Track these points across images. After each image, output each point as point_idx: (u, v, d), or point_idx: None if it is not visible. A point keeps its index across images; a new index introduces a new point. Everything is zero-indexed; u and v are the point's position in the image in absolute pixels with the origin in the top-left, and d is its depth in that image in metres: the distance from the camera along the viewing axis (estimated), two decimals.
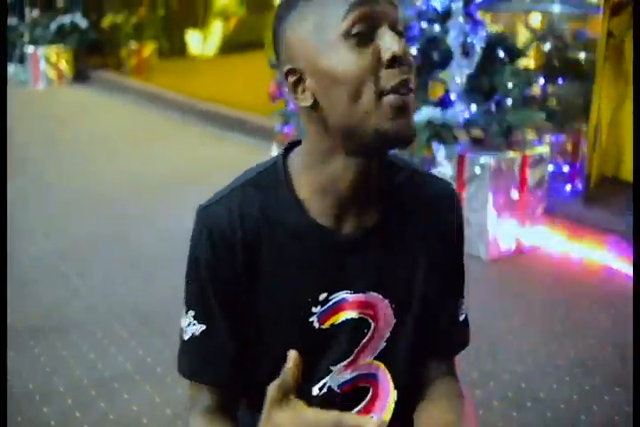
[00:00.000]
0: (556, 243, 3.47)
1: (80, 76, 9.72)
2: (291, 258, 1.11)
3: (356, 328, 1.14)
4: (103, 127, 7.10)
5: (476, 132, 3.36)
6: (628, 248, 3.27)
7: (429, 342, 1.21)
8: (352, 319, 1.14)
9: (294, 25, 1.03)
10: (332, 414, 0.85)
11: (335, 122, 1.03)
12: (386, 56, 0.99)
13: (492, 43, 3.39)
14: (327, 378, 1.16)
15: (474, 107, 3.33)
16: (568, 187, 3.87)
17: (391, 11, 1.01)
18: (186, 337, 1.14)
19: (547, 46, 4.01)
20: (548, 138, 3.81)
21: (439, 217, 1.19)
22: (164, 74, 9.23)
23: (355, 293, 1.13)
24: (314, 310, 1.12)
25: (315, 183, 1.09)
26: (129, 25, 10.18)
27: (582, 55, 3.99)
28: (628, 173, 4.02)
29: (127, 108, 8.22)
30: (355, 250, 1.13)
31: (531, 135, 3.60)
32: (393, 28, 1.01)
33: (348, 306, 1.13)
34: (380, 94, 1.00)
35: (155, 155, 5.85)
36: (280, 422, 0.86)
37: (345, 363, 1.16)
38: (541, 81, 3.82)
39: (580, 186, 3.87)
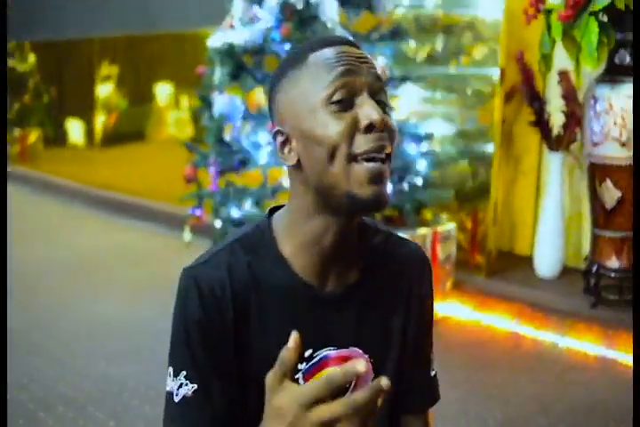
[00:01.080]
0: (465, 313, 3.69)
1: None
2: (277, 315, 1.13)
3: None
4: None
5: (391, 211, 3.59)
6: (532, 315, 3.54)
7: (405, 398, 1.25)
8: None
9: (284, 91, 1.11)
10: (321, 379, 0.84)
11: (313, 182, 1.09)
12: (363, 122, 1.04)
13: (401, 128, 3.67)
14: None
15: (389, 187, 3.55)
16: (471, 261, 4.13)
17: (374, 81, 1.08)
18: (177, 399, 1.11)
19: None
20: (451, 216, 4.08)
21: (413, 277, 1.25)
22: (49, 162, 9.08)
23: (338, 348, 1.16)
24: (299, 367, 1.13)
25: (298, 242, 1.13)
26: (12, 111, 9.99)
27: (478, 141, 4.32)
28: (521, 248, 4.36)
29: (17, 196, 7.99)
30: (338, 306, 1.16)
31: (437, 213, 3.88)
32: (374, 96, 1.07)
33: (331, 362, 1.15)
34: (352, 159, 1.05)
35: (55, 243, 5.70)
36: (279, 406, 0.85)
37: None
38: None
39: (479, 261, 4.14)
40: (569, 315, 3.42)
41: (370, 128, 1.04)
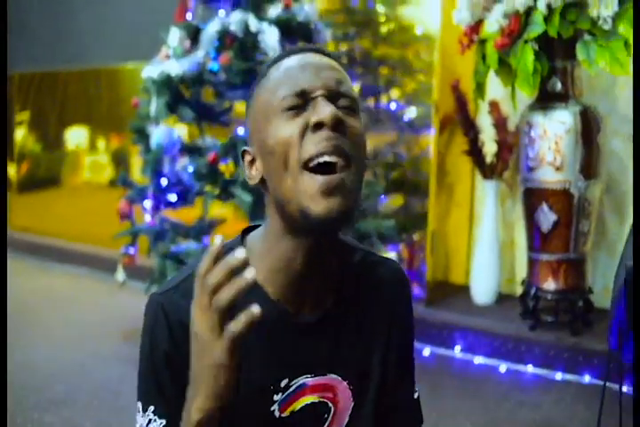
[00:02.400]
0: None
1: None
2: (251, 342, 1.03)
3: (317, 413, 1.12)
4: None
5: None
6: (472, 341, 3.56)
7: (389, 421, 1.20)
8: (312, 404, 1.10)
9: (250, 110, 1.07)
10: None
11: (275, 197, 1.01)
12: (312, 121, 0.97)
13: None
14: None
15: None
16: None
17: (332, 85, 1.01)
18: None
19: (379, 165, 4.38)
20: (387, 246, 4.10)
21: (393, 297, 1.19)
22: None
23: (315, 376, 1.10)
24: (275, 397, 1.08)
25: (270, 265, 1.06)
26: None
27: (412, 172, 4.38)
28: (457, 277, 4.41)
29: None
30: (314, 333, 1.10)
31: (376, 243, 3.87)
32: (334, 101, 1.00)
33: (308, 391, 1.10)
34: (304, 166, 0.96)
35: None
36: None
37: None
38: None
39: (417, 291, 4.16)
40: (509, 339, 3.45)
41: (319, 126, 0.97)
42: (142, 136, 3.47)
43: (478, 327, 3.56)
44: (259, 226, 1.14)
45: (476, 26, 3.35)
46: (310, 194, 0.95)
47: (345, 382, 1.12)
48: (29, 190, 8.41)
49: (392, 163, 4.34)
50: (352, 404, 1.13)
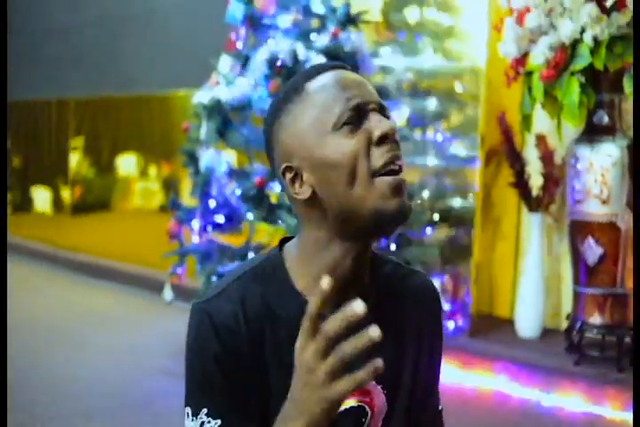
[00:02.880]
0: (448, 372, 3.64)
1: None
2: (291, 347, 1.03)
3: (356, 418, 1.13)
4: None
5: None
6: (516, 373, 3.51)
7: None
8: (352, 408, 1.12)
9: (286, 126, 1.10)
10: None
11: (334, 208, 1.07)
12: (375, 135, 1.05)
13: None
14: None
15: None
16: (451, 324, 4.11)
17: (376, 99, 1.09)
18: None
19: (425, 195, 4.39)
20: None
21: (425, 307, 1.23)
22: (17, 226, 9.00)
23: None
24: None
25: (314, 272, 1.10)
26: None
27: (458, 203, 4.39)
28: (501, 310, 4.36)
29: None
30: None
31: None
32: (379, 111, 1.08)
33: None
34: (374, 174, 1.05)
35: (25, 305, 5.60)
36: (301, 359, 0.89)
37: None
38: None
39: (461, 322, 4.13)
40: (553, 373, 3.40)
41: (383, 139, 1.05)
42: (192, 159, 3.58)
43: (521, 360, 3.51)
44: (293, 237, 1.18)
45: (522, 58, 3.36)
46: (383, 194, 1.04)
47: (379, 387, 1.15)
48: (82, 213, 8.64)
49: (438, 194, 4.35)
50: (386, 409, 1.15)
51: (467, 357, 3.62)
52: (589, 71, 3.03)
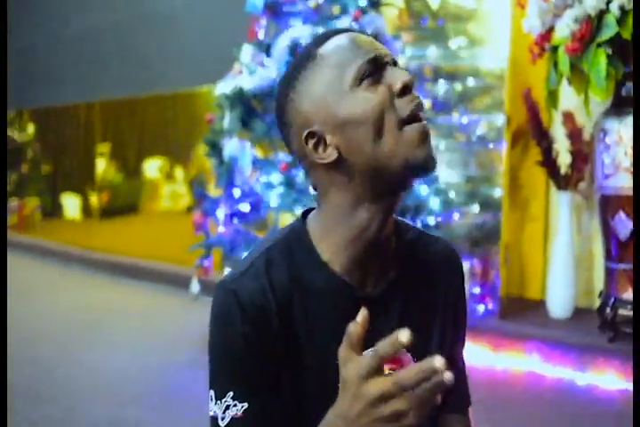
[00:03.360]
0: (480, 354, 3.61)
1: None
2: (321, 319, 1.09)
3: None
4: None
5: None
6: (549, 353, 3.47)
7: (445, 397, 1.13)
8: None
9: (302, 93, 1.08)
10: (372, 350, 0.87)
11: (362, 167, 1.05)
12: (397, 86, 1.04)
13: None
14: None
15: None
16: (481, 307, 4.08)
17: (389, 53, 1.08)
18: (223, 424, 1.03)
19: (452, 179, 4.36)
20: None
21: (449, 272, 1.22)
22: (48, 231, 9.11)
23: None
24: None
25: (339, 241, 1.09)
26: (10, 181, 10.04)
27: (485, 185, 4.35)
28: (532, 292, 4.32)
29: (17, 262, 7.96)
30: (381, 305, 1.12)
31: None
32: (394, 65, 1.07)
33: None
34: (401, 123, 1.04)
35: (55, 302, 5.67)
36: (346, 378, 0.90)
37: None
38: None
39: (491, 306, 4.09)
40: (586, 351, 3.35)
41: (405, 89, 1.04)
42: (215, 149, 3.57)
43: (554, 339, 3.47)
44: (314, 209, 1.16)
45: (547, 34, 3.32)
46: (413, 142, 1.03)
47: (409, 355, 1.13)
48: (110, 217, 8.71)
49: (464, 177, 4.32)
50: None
51: (498, 338, 3.58)
52: (616, 42, 2.98)
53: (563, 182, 3.81)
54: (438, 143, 4.39)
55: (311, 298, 1.09)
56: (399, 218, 1.20)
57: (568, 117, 3.80)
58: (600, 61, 2.97)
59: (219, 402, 1.05)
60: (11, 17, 8.35)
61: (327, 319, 1.09)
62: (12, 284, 6.35)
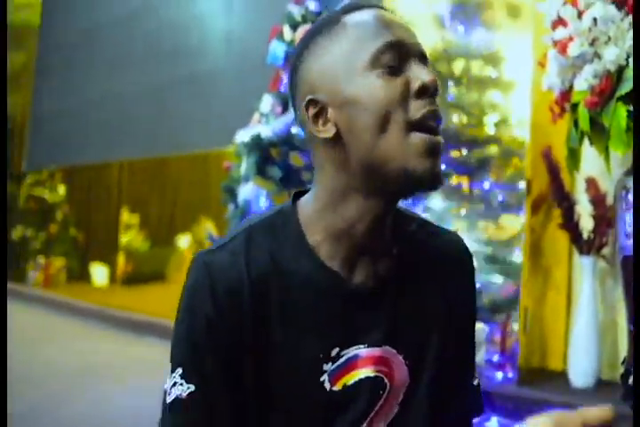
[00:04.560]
0: (496, 420, 3.42)
1: None
2: (300, 308, 1.01)
3: (372, 389, 1.04)
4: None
5: None
6: None
7: (448, 406, 1.11)
8: (367, 378, 1.03)
9: (315, 58, 1.02)
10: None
11: (358, 156, 0.98)
12: (415, 85, 0.97)
13: None
14: None
15: None
16: (499, 375, 3.90)
17: (419, 45, 1.02)
18: (168, 399, 0.97)
19: (472, 247, 4.26)
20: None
21: (454, 270, 1.14)
22: (72, 291, 9.17)
23: (369, 347, 1.03)
24: (325, 367, 1.01)
25: (328, 227, 1.02)
26: (38, 240, 10.20)
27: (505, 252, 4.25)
28: (553, 362, 4.12)
29: (37, 317, 7.97)
30: (368, 300, 1.04)
31: None
32: (421, 60, 1.00)
33: (361, 363, 1.03)
34: (409, 127, 0.96)
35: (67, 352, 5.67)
36: None
37: None
38: None
39: (510, 374, 3.91)
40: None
41: (423, 91, 0.97)
42: (232, 196, 3.55)
43: (574, 405, 3.27)
44: (308, 191, 1.09)
45: (567, 93, 3.30)
46: (417, 151, 0.95)
47: (400, 357, 1.05)
48: (135, 284, 8.72)
49: (483, 242, 4.23)
50: (408, 382, 1.06)
51: (515, 405, 3.39)
52: (633, 94, 2.93)
53: (585, 247, 3.70)
54: (457, 207, 4.33)
55: (292, 284, 1.01)
56: (401, 208, 1.12)
57: (591, 183, 3.72)
58: (620, 115, 2.92)
59: (170, 376, 0.99)
60: (42, 79, 8.72)
61: (306, 308, 1.01)
62: (30, 334, 6.34)
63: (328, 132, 1.00)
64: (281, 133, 3.44)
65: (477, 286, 3.93)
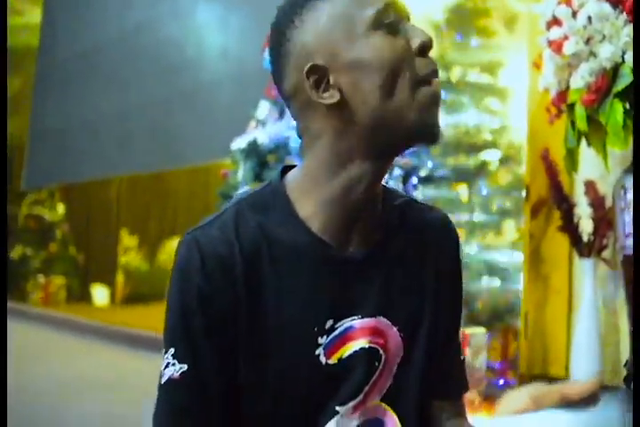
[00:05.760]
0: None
1: None
2: (293, 280, 1.01)
3: (367, 361, 1.04)
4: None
5: None
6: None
7: (438, 382, 1.12)
8: (362, 350, 1.03)
9: (309, 24, 1.03)
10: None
11: (365, 117, 1.00)
12: (417, 43, 1.01)
13: None
14: (333, 422, 1.01)
15: None
16: (501, 381, 3.85)
17: (407, 6, 1.07)
18: (162, 380, 0.97)
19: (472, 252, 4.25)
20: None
21: (441, 244, 1.16)
22: (72, 309, 9.17)
23: (363, 317, 1.04)
24: (320, 340, 1.01)
25: (321, 198, 1.02)
26: (38, 259, 10.19)
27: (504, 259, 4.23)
28: (556, 369, 4.07)
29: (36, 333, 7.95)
30: (361, 269, 1.05)
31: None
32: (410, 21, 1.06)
33: (356, 334, 1.03)
34: (417, 83, 1.00)
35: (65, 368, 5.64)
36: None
37: (353, 403, 1.03)
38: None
39: (511, 382, 3.86)
40: None
41: (423, 49, 1.01)
42: (226, 201, 3.54)
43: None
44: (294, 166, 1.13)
45: (564, 93, 3.29)
46: (424, 105, 0.99)
47: (395, 328, 1.06)
48: (135, 303, 8.66)
49: (481, 247, 4.21)
50: (402, 354, 1.07)
51: None
52: (633, 94, 2.92)
53: (585, 250, 3.67)
54: (458, 216, 4.31)
55: (283, 256, 1.02)
56: (388, 185, 1.15)
57: (590, 186, 3.70)
58: (617, 111, 2.91)
59: (163, 357, 1.00)
60: (40, 99, 8.75)
61: (300, 279, 1.01)
62: (31, 351, 6.30)
63: (332, 97, 1.00)
64: (277, 139, 3.44)
65: (478, 291, 3.92)
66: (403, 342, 1.07)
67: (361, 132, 1.00)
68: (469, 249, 4.15)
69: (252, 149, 3.47)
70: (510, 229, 4.20)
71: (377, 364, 1.04)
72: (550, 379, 3.99)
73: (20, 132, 10.71)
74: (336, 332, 1.01)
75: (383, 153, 1.02)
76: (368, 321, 1.04)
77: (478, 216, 4.28)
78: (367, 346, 1.05)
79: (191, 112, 6.92)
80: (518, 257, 4.05)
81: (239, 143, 3.60)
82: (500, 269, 4.12)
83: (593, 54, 3.07)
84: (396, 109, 0.98)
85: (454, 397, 1.16)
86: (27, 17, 11.35)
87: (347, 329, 1.02)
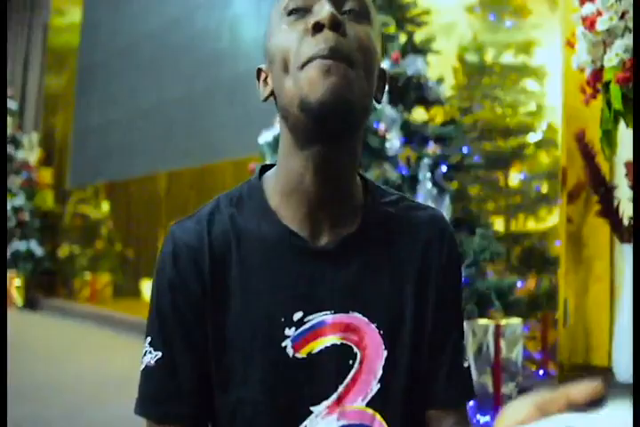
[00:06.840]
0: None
1: (30, 303, 9.56)
2: (261, 270, 0.99)
3: (340, 358, 0.99)
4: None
5: None
6: None
7: (431, 388, 1.04)
8: (333, 346, 0.98)
9: (268, 25, 1.03)
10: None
11: (280, 107, 0.98)
12: (309, 23, 0.92)
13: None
14: (307, 422, 0.97)
15: None
16: (540, 372, 3.75)
17: None
18: (141, 368, 0.98)
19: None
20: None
21: (430, 241, 1.07)
22: (120, 305, 9.23)
23: (335, 313, 0.99)
24: (287, 332, 0.98)
25: (283, 187, 1.01)
26: (85, 256, 10.31)
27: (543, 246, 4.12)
28: (598, 359, 3.94)
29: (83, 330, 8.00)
30: (333, 260, 1.00)
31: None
32: (336, 2, 0.94)
33: (328, 330, 0.98)
34: (302, 65, 0.92)
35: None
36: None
37: (328, 403, 0.98)
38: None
39: (551, 372, 3.76)
40: None
41: (317, 27, 0.91)
42: None
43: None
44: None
45: (599, 72, 3.16)
46: (310, 79, 0.89)
47: (373, 325, 1.00)
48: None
49: (522, 235, 4.10)
50: (385, 353, 0.99)
51: None
52: (636, 94, 2.80)
53: (627, 234, 3.53)
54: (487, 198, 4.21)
55: (252, 247, 1.00)
56: (384, 186, 1.11)
57: (630, 168, 3.56)
58: None
59: (143, 346, 1.00)
60: (82, 97, 8.82)
61: (268, 269, 0.99)
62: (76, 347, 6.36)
63: (264, 93, 1.01)
64: None
65: (516, 281, 3.81)
66: (384, 341, 0.99)
67: (289, 125, 0.97)
68: (506, 236, 4.05)
69: (278, 143, 3.36)
70: (548, 213, 4.07)
71: (351, 362, 0.98)
72: (592, 368, 3.87)
73: (64, 129, 10.85)
74: (306, 326, 0.97)
75: (310, 139, 0.95)
76: (340, 317, 0.98)
77: (516, 201, 4.18)
78: (339, 342, 0.98)
79: (230, 104, 6.90)
80: (558, 243, 3.93)
81: (266, 137, 3.55)
82: (539, 256, 4.00)
83: (628, 29, 2.95)
84: (287, 93, 0.93)
85: (454, 405, 1.06)
86: (68, 17, 11.47)
87: (318, 324, 0.98)
